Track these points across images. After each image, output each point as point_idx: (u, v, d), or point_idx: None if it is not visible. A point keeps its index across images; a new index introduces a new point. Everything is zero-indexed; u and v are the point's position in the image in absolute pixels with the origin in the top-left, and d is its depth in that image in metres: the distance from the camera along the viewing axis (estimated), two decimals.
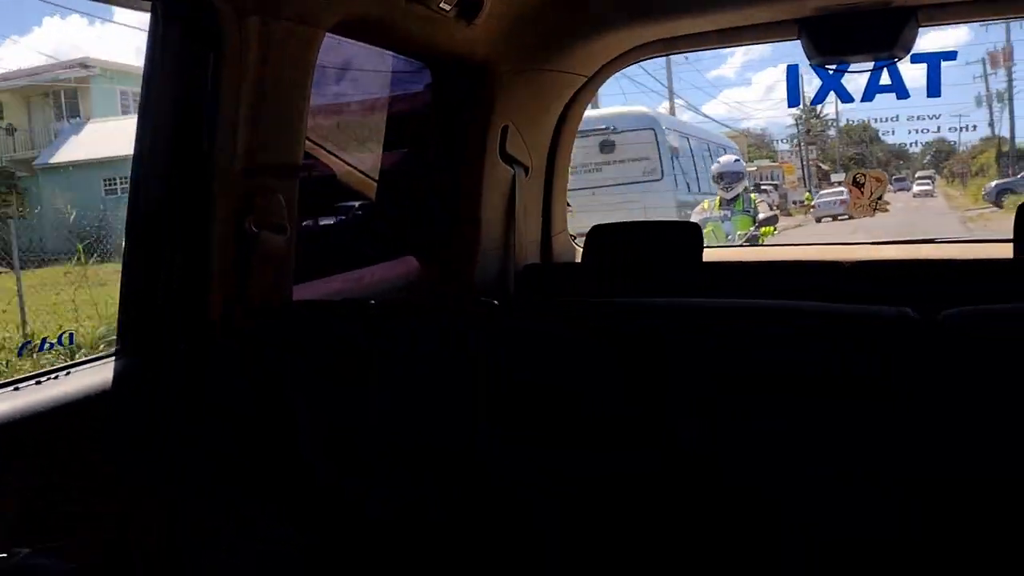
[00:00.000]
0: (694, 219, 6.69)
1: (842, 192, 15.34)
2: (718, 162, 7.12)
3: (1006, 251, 2.32)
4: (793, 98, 3.24)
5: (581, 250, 2.93)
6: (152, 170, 1.65)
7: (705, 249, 2.52)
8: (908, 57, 2.70)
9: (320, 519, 1.41)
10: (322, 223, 2.59)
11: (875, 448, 1.21)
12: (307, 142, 2.43)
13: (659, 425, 1.30)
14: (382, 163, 2.68)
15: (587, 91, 2.88)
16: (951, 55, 2.89)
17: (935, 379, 1.19)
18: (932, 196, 19.55)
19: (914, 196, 18.73)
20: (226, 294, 1.65)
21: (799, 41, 2.65)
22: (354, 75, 2.58)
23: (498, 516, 1.34)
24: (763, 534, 1.26)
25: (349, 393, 1.42)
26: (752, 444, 1.27)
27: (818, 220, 15.59)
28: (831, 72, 2.81)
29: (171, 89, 1.64)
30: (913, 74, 2.88)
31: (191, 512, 1.40)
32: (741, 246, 5.98)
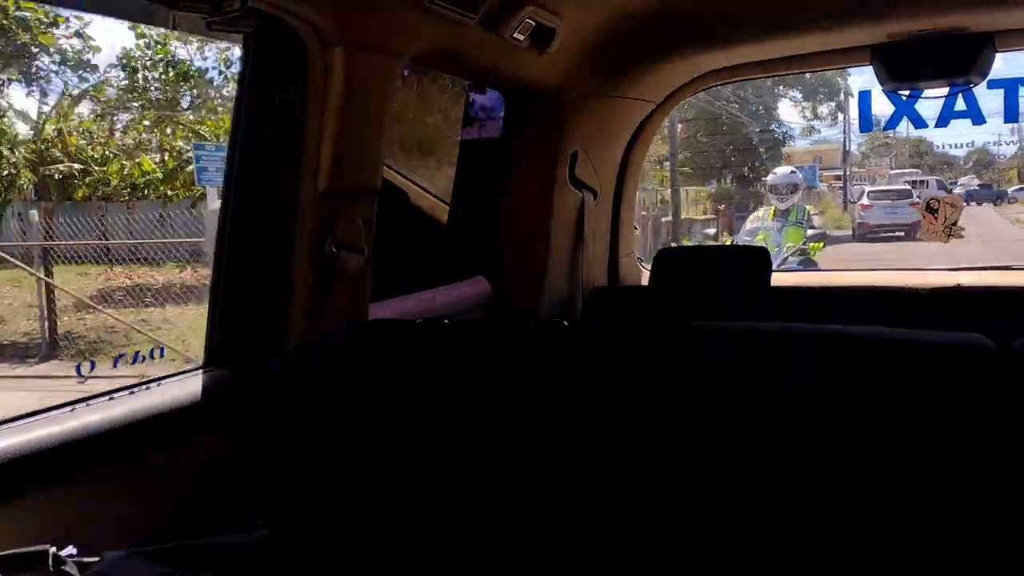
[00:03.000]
0: (747, 227, 6.88)
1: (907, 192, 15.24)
2: (774, 173, 7.16)
3: None
4: (865, 123, 3.21)
5: (648, 273, 2.94)
6: (241, 191, 1.74)
7: (775, 274, 2.52)
8: (984, 82, 2.67)
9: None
10: (398, 244, 2.67)
11: (945, 477, 1.21)
12: (387, 168, 2.54)
13: (721, 452, 1.32)
14: (456, 186, 2.75)
15: (656, 117, 2.91)
16: None
17: (1008, 408, 1.18)
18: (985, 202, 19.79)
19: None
20: (307, 312, 1.72)
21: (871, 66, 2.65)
22: (431, 101, 2.67)
23: (560, 540, 1.37)
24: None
25: (420, 410, 1.46)
26: (819, 473, 1.27)
27: (859, 234, 14.73)
28: (904, 97, 2.79)
29: (260, 115, 1.73)
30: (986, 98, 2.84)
31: (276, 521, 1.45)
32: (785, 263, 6.06)
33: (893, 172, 19.54)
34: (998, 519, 1.19)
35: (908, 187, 15.43)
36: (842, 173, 18.92)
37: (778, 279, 2.68)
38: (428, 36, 1.85)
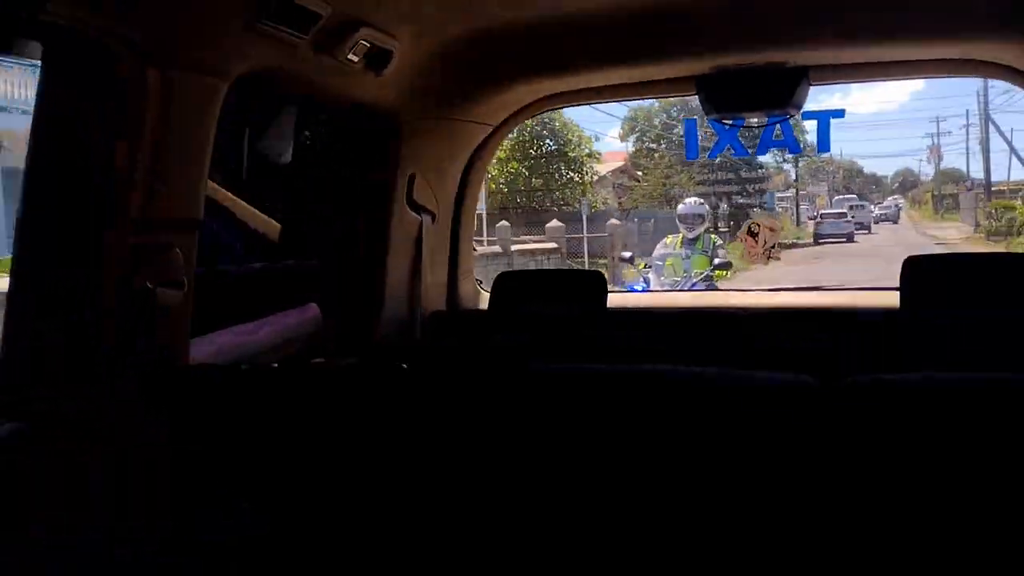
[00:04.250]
0: (657, 252, 7.40)
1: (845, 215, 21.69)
2: (684, 203, 7.74)
3: (892, 299, 2.44)
4: (692, 151, 3.35)
5: (488, 296, 2.93)
6: (39, 222, 1.57)
7: (609, 294, 2.57)
8: (800, 114, 2.84)
9: None
10: (221, 270, 2.51)
11: (778, 515, 1.24)
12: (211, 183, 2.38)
13: (555, 490, 1.30)
14: (286, 206, 2.62)
15: (494, 139, 2.90)
16: (839, 113, 3.05)
17: (835, 448, 1.22)
18: (895, 221, 24.35)
19: (875, 221, 24.28)
20: (116, 353, 1.57)
21: (696, 97, 2.75)
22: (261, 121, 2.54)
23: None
24: None
25: (240, 467, 1.36)
26: (641, 519, 1.28)
27: (818, 239, 20.03)
28: (728, 126, 2.93)
29: (62, 136, 1.56)
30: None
31: None
32: (693, 287, 6.65)
33: (837, 198, 24.62)
34: (830, 552, 1.23)
35: (845, 211, 22.54)
36: (793, 196, 23.41)
37: (615, 300, 2.73)
38: (256, 56, 1.74)
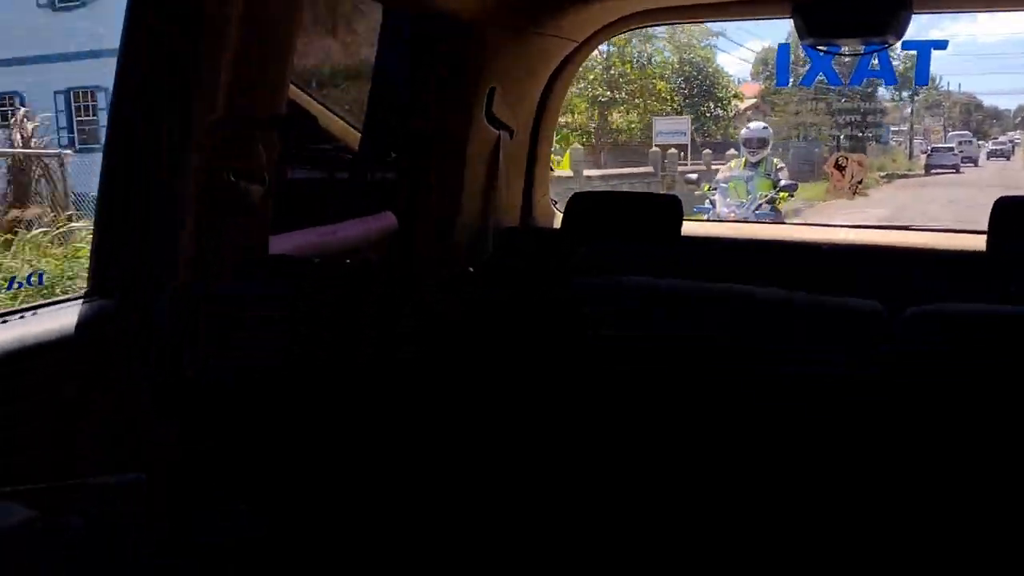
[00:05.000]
0: (720, 175, 7.60)
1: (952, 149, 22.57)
2: (748, 127, 8.01)
3: (980, 242, 2.35)
4: (783, 77, 3.24)
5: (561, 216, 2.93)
6: (131, 111, 1.63)
7: (685, 222, 2.54)
8: (899, 43, 2.70)
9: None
10: (302, 174, 2.57)
11: (839, 443, 1.23)
12: (294, 88, 2.41)
13: (609, 410, 1.32)
14: (368, 115, 2.65)
15: (577, 56, 2.86)
16: (942, 44, 2.90)
17: (897, 373, 1.21)
18: (1008, 158, 24.09)
19: (987, 157, 24.33)
20: (199, 244, 1.63)
21: (791, 20, 2.64)
22: (346, 26, 2.55)
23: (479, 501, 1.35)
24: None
25: (310, 352, 1.41)
26: (708, 438, 1.29)
27: (928, 170, 20.89)
28: (822, 53, 2.81)
29: (152, 34, 1.60)
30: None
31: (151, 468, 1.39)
32: (759, 208, 6.92)
33: (951, 134, 24.78)
34: (889, 478, 1.23)
35: (953, 145, 23.36)
36: (908, 131, 23.96)
37: (690, 229, 2.70)
38: None
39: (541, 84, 2.80)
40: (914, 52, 2.90)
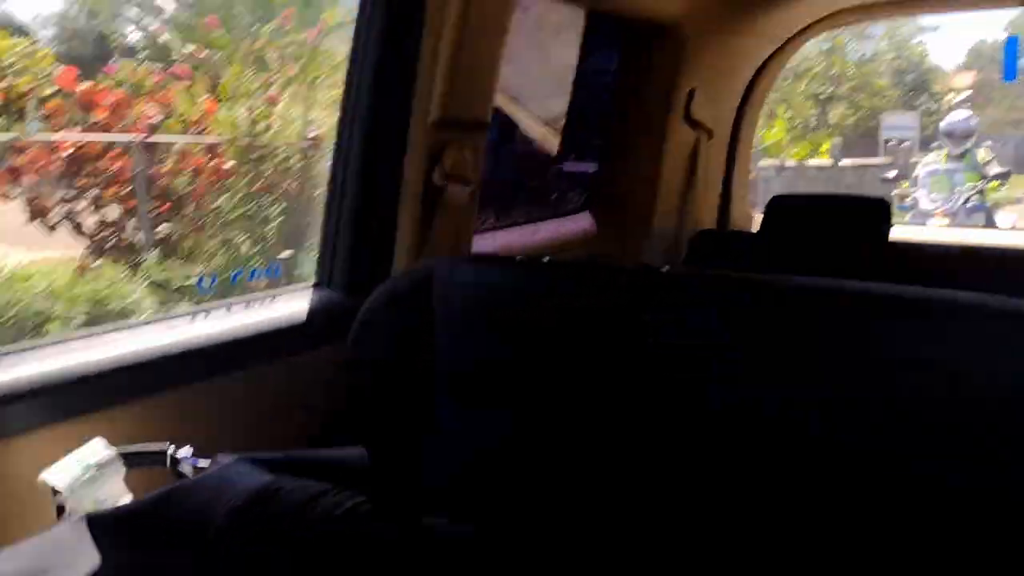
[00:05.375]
0: (921, 171, 7.11)
1: None
2: (949, 118, 7.36)
3: None
4: (1011, 70, 3.01)
5: (759, 220, 2.87)
6: (357, 117, 1.77)
7: (894, 227, 2.41)
8: None
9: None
10: (505, 174, 2.67)
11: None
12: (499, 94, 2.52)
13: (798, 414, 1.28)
14: (568, 118, 2.72)
15: (779, 57, 2.79)
16: None
17: None
18: None
19: None
20: (413, 241, 1.76)
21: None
22: (547, 29, 2.63)
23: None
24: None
25: (508, 348, 1.47)
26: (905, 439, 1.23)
27: None
28: None
29: (378, 41, 1.74)
30: None
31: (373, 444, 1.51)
32: (968, 201, 6.49)
33: None
34: None
35: None
36: None
37: (899, 235, 2.56)
38: None
39: (742, 85, 2.76)
40: None
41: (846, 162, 12.09)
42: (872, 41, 17.51)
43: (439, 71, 1.71)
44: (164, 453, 1.34)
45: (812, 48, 15.16)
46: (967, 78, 19.00)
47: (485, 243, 1.98)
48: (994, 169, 6.95)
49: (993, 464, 1.17)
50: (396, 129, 1.75)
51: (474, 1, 1.69)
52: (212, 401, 1.54)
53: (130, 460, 1.28)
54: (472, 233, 1.89)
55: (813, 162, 11.95)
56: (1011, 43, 2.71)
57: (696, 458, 1.35)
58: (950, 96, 18.00)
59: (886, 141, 14.66)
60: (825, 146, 12.68)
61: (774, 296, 1.39)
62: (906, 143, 13.89)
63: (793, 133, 14.43)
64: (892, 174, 8.42)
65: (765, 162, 11.33)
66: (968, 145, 6.89)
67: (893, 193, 7.99)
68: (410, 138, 1.75)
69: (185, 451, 1.34)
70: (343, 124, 1.76)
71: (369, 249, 1.76)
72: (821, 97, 16.54)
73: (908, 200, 7.16)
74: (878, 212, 2.38)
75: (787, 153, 12.38)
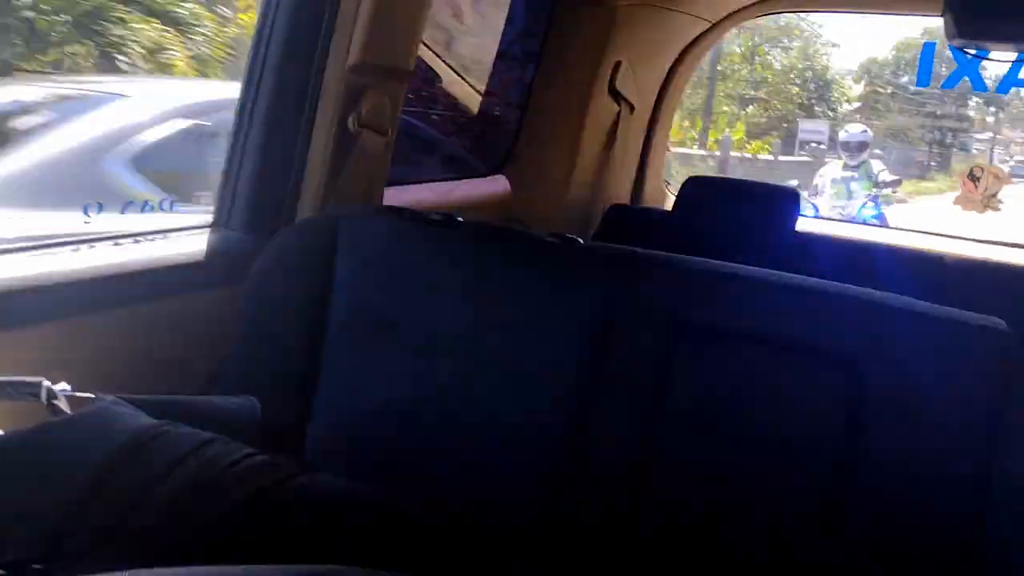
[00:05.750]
0: (817, 181, 7.58)
1: None
2: (847, 131, 7.87)
3: None
4: (923, 78, 3.10)
5: (672, 198, 2.89)
6: (270, 55, 1.69)
7: (801, 218, 2.46)
8: None
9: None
10: (422, 129, 2.61)
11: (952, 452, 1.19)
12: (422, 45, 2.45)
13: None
14: (491, 78, 2.67)
15: (708, 37, 2.80)
16: None
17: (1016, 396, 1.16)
18: None
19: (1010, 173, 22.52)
20: (321, 187, 1.69)
21: (941, 18, 2.52)
22: None
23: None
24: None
25: (412, 304, 1.45)
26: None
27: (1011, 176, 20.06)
28: (969, 56, 2.67)
29: None
30: None
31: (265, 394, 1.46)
32: (864, 206, 6.88)
33: None
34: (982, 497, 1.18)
35: None
36: (990, 140, 23.31)
37: (806, 224, 2.62)
38: None
39: (669, 62, 2.76)
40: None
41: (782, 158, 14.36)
42: (789, 51, 19.35)
43: (361, 13, 1.64)
44: (39, 386, 1.25)
45: (737, 52, 17.59)
46: (858, 90, 21.19)
47: (397, 197, 1.93)
48: (887, 178, 7.39)
49: (894, 453, 1.21)
50: (311, 69, 1.67)
51: None
52: (96, 337, 1.46)
53: (1, 391, 1.20)
54: (384, 185, 1.84)
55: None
56: (927, 48, 2.81)
57: (586, 418, 1.35)
58: (844, 107, 20.01)
59: (803, 143, 16.70)
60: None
61: (676, 275, 1.40)
62: (821, 145, 15.58)
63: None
64: (795, 181, 8.94)
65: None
66: (864, 157, 7.32)
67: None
68: (325, 80, 1.68)
69: (63, 386, 1.26)
70: (254, 59, 1.67)
71: (273, 192, 1.69)
72: (745, 97, 18.42)
73: (809, 207, 7.51)
74: (788, 200, 2.44)
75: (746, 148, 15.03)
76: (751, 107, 18.59)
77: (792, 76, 19.47)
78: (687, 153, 14.44)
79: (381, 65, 1.73)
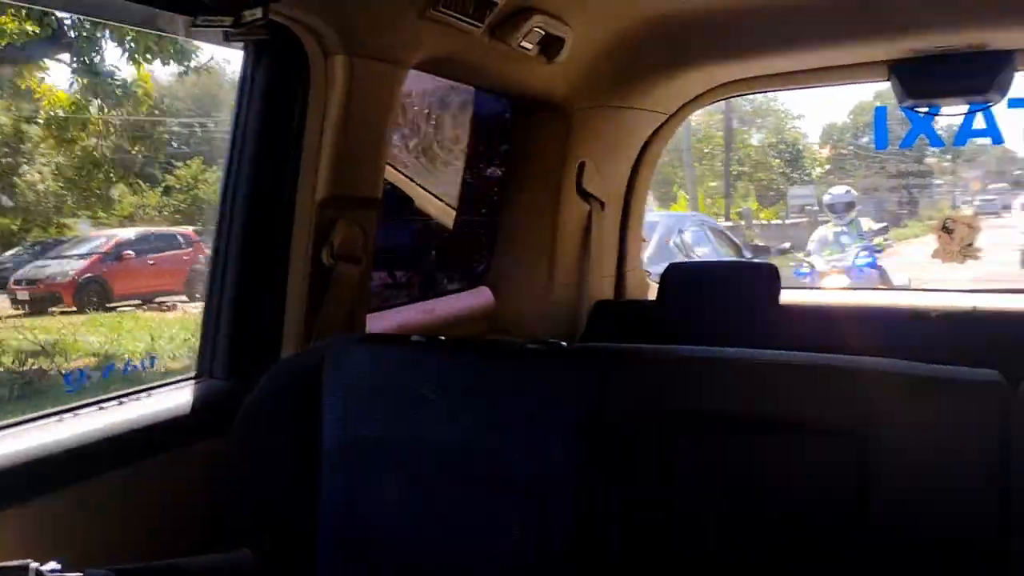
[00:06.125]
0: (811, 245, 7.90)
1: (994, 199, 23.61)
2: (830, 194, 8.26)
3: None
4: (882, 140, 3.17)
5: (655, 287, 2.90)
6: (238, 199, 1.71)
7: (783, 290, 2.47)
8: (1005, 101, 2.61)
9: None
10: (400, 251, 2.64)
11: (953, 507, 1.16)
12: (390, 168, 2.50)
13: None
14: (462, 193, 2.71)
15: (667, 128, 2.87)
16: None
17: (1016, 446, 1.13)
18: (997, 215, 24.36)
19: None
20: (302, 323, 1.69)
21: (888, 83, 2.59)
22: (439, 107, 2.64)
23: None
24: None
25: (404, 429, 1.43)
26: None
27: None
28: (922, 115, 2.74)
29: (260, 122, 1.70)
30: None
31: (261, 545, 1.42)
32: (857, 256, 7.18)
33: (991, 186, 26.46)
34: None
35: (995, 197, 24.33)
36: (950, 183, 25.99)
37: (789, 296, 2.63)
38: (433, 44, 1.81)
39: (632, 157, 2.81)
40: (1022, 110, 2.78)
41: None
42: (763, 128, 22.46)
43: (324, 150, 1.68)
44: (26, 569, 1.21)
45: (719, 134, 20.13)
46: (825, 152, 23.51)
47: (380, 323, 1.93)
48: (874, 227, 7.80)
49: (902, 523, 1.18)
50: (281, 208, 1.69)
51: (358, 82, 1.67)
52: (87, 507, 1.42)
53: None
54: (365, 313, 1.84)
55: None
56: (880, 113, 2.87)
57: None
58: (816, 170, 22.34)
59: (797, 207, 19.04)
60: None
61: (661, 366, 1.39)
62: (814, 207, 16.96)
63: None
64: (786, 245, 9.25)
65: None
66: (852, 215, 7.65)
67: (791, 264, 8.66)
68: (296, 217, 1.70)
69: (52, 566, 1.22)
70: (224, 204, 1.69)
71: (253, 335, 1.69)
72: (734, 173, 21.00)
73: (804, 267, 7.69)
74: (768, 276, 2.45)
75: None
76: (739, 181, 21.14)
77: (769, 149, 22.13)
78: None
79: (349, 196, 1.75)
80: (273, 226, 1.70)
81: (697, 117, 20.24)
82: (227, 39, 1.52)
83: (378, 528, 1.43)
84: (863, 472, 1.20)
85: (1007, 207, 25.42)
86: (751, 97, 20.15)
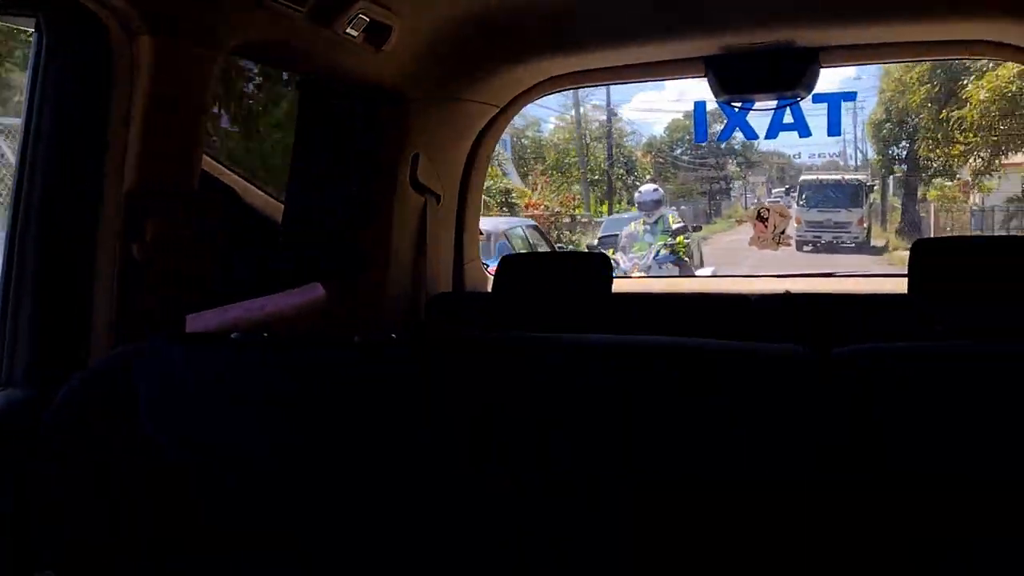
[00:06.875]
0: (622, 240, 8.45)
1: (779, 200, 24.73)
2: (640, 192, 8.84)
3: (901, 285, 2.41)
4: (701, 134, 3.33)
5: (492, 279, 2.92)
6: (35, 190, 1.57)
7: (615, 280, 2.54)
8: (810, 97, 2.80)
9: None
10: (225, 247, 2.51)
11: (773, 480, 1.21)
12: (214, 162, 2.37)
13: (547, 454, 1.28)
14: (290, 185, 2.61)
15: (500, 120, 2.89)
16: (851, 96, 3.02)
17: (823, 416, 1.20)
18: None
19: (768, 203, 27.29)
20: (112, 324, 1.57)
21: (706, 78, 2.72)
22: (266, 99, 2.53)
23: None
24: None
25: (230, 430, 1.35)
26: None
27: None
28: (737, 109, 2.89)
29: (57, 107, 1.56)
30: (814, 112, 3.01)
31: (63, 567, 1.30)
32: (658, 255, 7.78)
33: (774, 190, 29.40)
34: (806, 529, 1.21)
35: (778, 199, 25.49)
36: (742, 187, 29.48)
37: (619, 286, 2.70)
38: (252, 28, 1.73)
39: (466, 149, 2.81)
40: (825, 105, 2.99)
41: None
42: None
43: (131, 139, 1.56)
44: None
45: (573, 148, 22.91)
46: (647, 159, 26.71)
47: (202, 323, 1.82)
48: (676, 225, 8.35)
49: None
50: (84, 202, 1.56)
51: (167, 66, 1.57)
52: None
53: None
54: (183, 312, 1.73)
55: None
56: (699, 107, 3.02)
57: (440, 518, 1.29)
58: (646, 175, 25.06)
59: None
60: None
61: (499, 353, 1.38)
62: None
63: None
64: (596, 242, 9.87)
65: None
66: (661, 212, 8.23)
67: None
68: (102, 210, 1.57)
69: None
70: (17, 198, 1.54)
71: (58, 338, 1.55)
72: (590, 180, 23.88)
73: (613, 263, 8.19)
74: (599, 265, 2.51)
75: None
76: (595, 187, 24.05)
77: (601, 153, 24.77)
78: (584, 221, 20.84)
79: (161, 188, 1.64)
80: (76, 219, 1.56)
81: (562, 134, 23.80)
82: (4, 10, 1.37)
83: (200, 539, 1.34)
84: (685, 443, 1.24)
85: (788, 206, 28.46)
86: (595, 118, 24.30)
